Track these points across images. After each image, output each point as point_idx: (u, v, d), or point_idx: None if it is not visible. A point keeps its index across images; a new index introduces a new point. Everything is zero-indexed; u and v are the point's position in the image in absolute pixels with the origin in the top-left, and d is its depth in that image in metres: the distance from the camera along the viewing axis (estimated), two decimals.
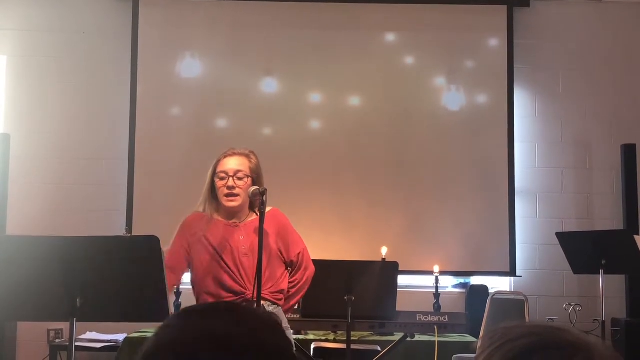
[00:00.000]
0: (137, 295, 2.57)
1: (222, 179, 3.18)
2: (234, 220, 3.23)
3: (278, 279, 3.22)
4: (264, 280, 3.09)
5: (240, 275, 3.13)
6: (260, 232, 3.01)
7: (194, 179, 5.57)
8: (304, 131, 5.71)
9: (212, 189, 3.23)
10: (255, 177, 3.22)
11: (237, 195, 3.16)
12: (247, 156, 3.25)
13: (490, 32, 5.83)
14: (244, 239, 3.18)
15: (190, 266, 3.26)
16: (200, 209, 3.27)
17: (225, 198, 3.17)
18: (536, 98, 5.85)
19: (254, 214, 3.23)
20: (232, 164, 3.20)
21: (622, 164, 5.61)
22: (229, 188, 3.17)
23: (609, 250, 4.35)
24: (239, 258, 3.14)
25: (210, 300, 3.10)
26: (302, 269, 3.28)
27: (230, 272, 3.12)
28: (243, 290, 3.11)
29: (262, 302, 3.06)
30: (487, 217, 5.64)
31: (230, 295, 3.10)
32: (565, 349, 0.94)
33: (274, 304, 3.18)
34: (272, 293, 3.18)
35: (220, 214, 3.25)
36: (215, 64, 5.74)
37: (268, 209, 3.19)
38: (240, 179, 3.18)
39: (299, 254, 3.28)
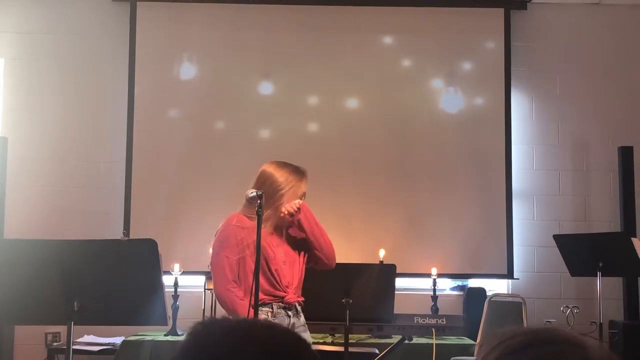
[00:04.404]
0: (134, 298, 2.57)
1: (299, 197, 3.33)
2: (272, 230, 3.32)
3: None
4: (297, 284, 3.31)
5: (279, 281, 3.25)
6: (258, 234, 3.03)
7: (192, 181, 5.62)
8: (302, 133, 5.72)
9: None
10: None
11: None
12: None
13: (487, 34, 5.83)
14: (282, 248, 3.31)
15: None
16: (249, 214, 3.27)
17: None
18: (533, 100, 5.86)
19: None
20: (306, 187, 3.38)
21: (620, 166, 5.62)
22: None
23: (607, 253, 4.35)
24: (278, 265, 3.26)
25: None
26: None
27: (271, 277, 3.23)
28: (282, 294, 3.24)
29: (296, 304, 3.28)
30: (485, 220, 5.64)
31: (269, 297, 3.22)
32: (561, 344, 0.97)
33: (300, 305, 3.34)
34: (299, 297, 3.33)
35: (265, 222, 3.28)
36: (213, 66, 5.74)
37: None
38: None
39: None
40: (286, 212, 3.25)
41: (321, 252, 3.32)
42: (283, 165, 3.36)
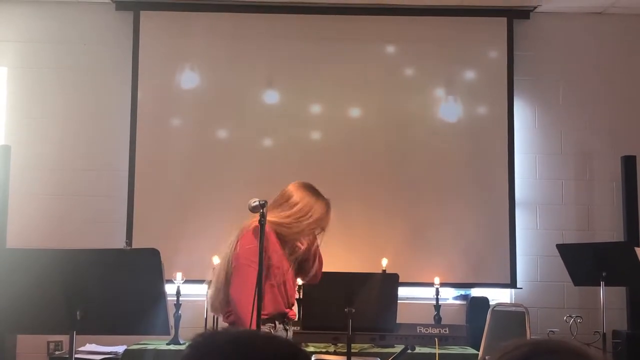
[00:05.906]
0: (137, 308, 2.56)
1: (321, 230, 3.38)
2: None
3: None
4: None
5: (287, 300, 3.27)
6: (261, 242, 3.02)
7: (195, 190, 5.62)
8: (304, 142, 5.72)
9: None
10: None
11: None
12: None
13: (490, 43, 5.84)
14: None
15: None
16: (281, 229, 3.25)
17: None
18: (536, 109, 5.86)
19: None
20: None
21: (623, 175, 5.62)
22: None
23: (610, 262, 4.34)
24: (291, 286, 3.29)
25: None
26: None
27: (285, 297, 3.25)
28: (287, 310, 3.28)
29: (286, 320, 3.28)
30: (488, 229, 5.64)
31: (278, 314, 3.24)
32: (564, 355, 0.97)
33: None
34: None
35: (285, 245, 3.30)
36: (216, 74, 5.75)
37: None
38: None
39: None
40: (303, 247, 3.28)
41: (315, 279, 3.38)
42: (311, 191, 3.34)
